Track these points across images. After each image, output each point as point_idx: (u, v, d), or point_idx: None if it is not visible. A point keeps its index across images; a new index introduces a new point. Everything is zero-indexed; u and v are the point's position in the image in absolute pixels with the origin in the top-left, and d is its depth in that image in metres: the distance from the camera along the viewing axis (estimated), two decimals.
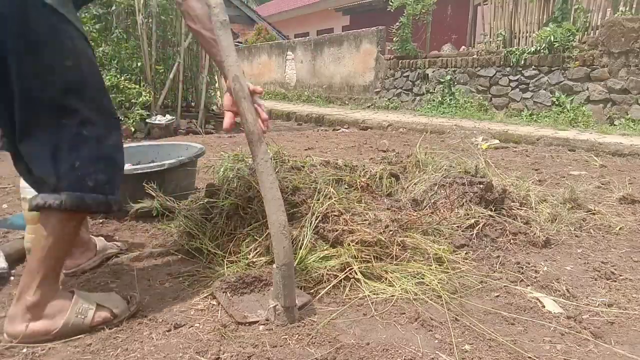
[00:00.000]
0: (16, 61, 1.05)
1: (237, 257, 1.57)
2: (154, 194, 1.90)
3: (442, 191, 1.98)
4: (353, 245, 1.51)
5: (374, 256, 1.52)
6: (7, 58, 1.05)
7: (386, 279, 1.45)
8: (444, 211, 1.89)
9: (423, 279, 1.45)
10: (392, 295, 1.37)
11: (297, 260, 1.45)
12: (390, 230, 1.61)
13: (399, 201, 1.95)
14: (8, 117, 1.12)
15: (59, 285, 1.23)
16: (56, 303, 1.18)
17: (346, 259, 1.47)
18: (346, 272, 1.44)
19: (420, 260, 1.56)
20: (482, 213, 1.87)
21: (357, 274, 1.44)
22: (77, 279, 1.52)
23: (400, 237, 1.61)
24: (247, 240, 1.61)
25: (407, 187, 2.10)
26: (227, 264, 1.54)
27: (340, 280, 1.43)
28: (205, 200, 1.81)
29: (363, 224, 1.62)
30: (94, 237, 1.69)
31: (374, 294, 1.38)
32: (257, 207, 1.67)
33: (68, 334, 1.18)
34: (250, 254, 1.55)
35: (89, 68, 1.18)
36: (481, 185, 1.97)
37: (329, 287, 1.40)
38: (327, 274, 1.44)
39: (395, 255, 1.54)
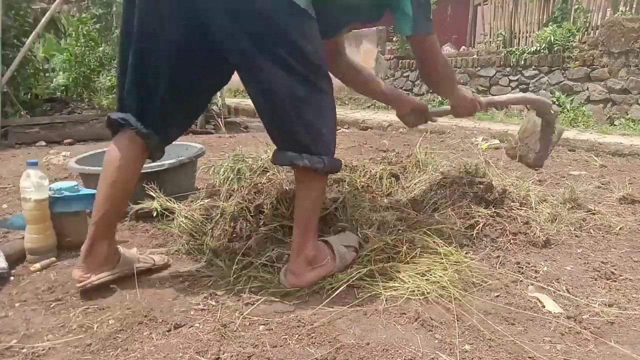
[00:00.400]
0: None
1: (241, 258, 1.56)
2: (154, 195, 1.90)
3: (442, 191, 1.98)
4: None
5: (375, 257, 1.52)
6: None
7: (386, 279, 1.45)
8: (443, 211, 1.88)
9: (423, 279, 1.45)
10: (393, 296, 1.37)
11: None
12: (395, 231, 1.61)
13: (399, 201, 1.95)
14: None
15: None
16: (324, 252, 1.45)
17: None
18: (350, 277, 1.44)
19: (420, 260, 1.56)
20: (482, 213, 1.87)
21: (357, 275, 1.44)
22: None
23: (405, 237, 1.61)
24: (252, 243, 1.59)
25: (407, 187, 2.10)
26: (226, 264, 1.54)
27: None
28: (206, 201, 1.80)
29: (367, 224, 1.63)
30: (124, 249, 1.53)
31: (374, 294, 1.38)
32: (268, 212, 1.65)
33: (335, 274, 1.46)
34: (261, 258, 1.54)
35: (319, 45, 1.34)
36: (481, 186, 1.97)
37: (330, 289, 1.40)
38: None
39: (394, 256, 1.55)
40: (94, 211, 1.41)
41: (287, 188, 1.68)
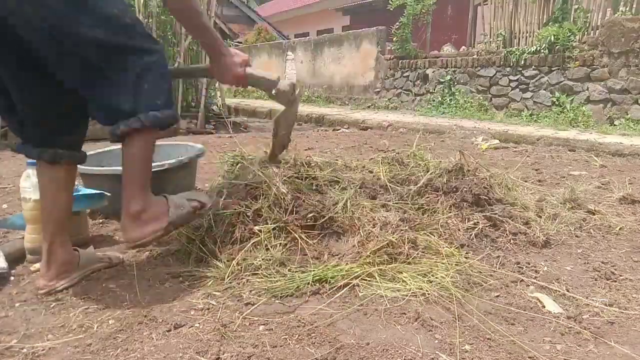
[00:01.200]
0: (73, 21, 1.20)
1: (238, 260, 1.56)
2: None
3: (441, 191, 1.98)
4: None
5: (377, 258, 1.52)
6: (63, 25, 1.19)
7: (388, 279, 1.45)
8: (443, 212, 1.88)
9: (424, 279, 1.45)
10: (393, 296, 1.37)
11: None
12: (397, 231, 1.61)
13: (401, 201, 1.95)
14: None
15: (151, 193, 1.43)
16: (156, 206, 1.42)
17: (351, 267, 1.48)
18: (352, 277, 1.44)
19: (422, 261, 1.56)
20: (480, 214, 1.87)
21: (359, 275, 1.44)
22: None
23: (407, 238, 1.61)
24: (250, 244, 1.59)
25: (406, 187, 2.10)
26: (226, 264, 1.54)
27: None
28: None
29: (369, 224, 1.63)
30: (81, 250, 1.55)
31: (374, 294, 1.38)
32: (266, 214, 1.65)
33: (176, 226, 1.48)
34: (257, 260, 1.54)
35: (123, 5, 1.31)
36: (480, 186, 1.97)
37: (331, 289, 1.40)
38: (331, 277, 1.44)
39: (395, 257, 1.55)
40: (42, 223, 1.44)
41: (284, 191, 1.68)
